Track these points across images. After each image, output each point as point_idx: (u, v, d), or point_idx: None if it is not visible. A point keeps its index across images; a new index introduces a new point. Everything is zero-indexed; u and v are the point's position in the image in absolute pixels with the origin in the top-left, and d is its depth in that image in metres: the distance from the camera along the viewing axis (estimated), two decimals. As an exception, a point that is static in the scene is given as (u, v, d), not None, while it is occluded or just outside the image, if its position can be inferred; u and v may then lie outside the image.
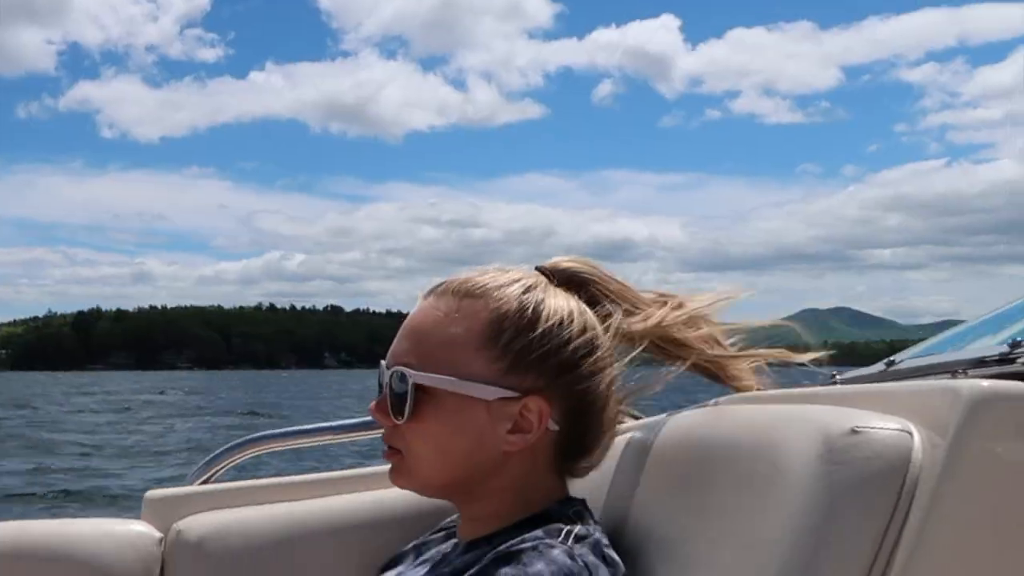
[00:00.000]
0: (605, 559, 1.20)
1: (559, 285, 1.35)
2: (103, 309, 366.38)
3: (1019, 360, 1.00)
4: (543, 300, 1.29)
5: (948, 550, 0.94)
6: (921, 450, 0.96)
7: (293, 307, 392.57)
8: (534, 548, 1.14)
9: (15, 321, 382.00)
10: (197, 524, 1.76)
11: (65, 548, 1.70)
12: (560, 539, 1.17)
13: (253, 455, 2.01)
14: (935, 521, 0.94)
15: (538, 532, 1.19)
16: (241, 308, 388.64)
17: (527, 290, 1.30)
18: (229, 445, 2.00)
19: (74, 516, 1.86)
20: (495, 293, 1.29)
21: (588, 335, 1.30)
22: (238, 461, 1.99)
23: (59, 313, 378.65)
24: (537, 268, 1.38)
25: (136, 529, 1.76)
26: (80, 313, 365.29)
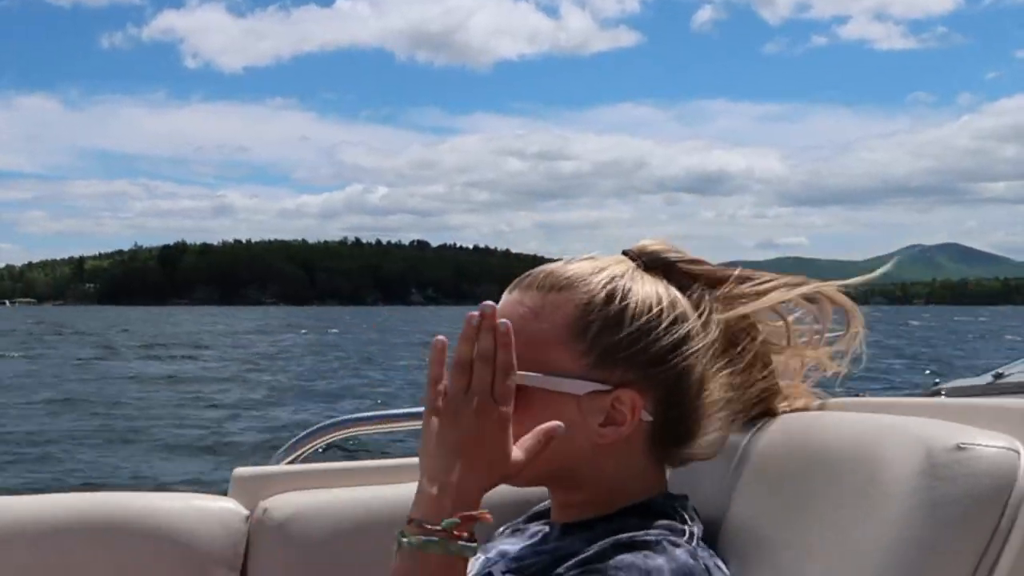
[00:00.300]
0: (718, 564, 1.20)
1: (647, 269, 1.31)
2: (188, 243, 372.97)
3: None
4: (631, 289, 1.26)
5: None
6: None
7: (379, 242, 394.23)
8: (658, 543, 1.14)
9: (100, 255, 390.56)
10: (283, 503, 1.79)
11: (155, 522, 1.74)
12: (685, 538, 1.17)
13: (341, 437, 2.05)
14: None
15: (661, 528, 1.18)
16: (325, 243, 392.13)
17: (613, 279, 1.26)
18: (316, 427, 2.05)
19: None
20: (580, 285, 1.25)
21: (679, 323, 1.26)
22: (326, 441, 2.03)
23: (145, 247, 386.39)
24: (624, 252, 1.34)
25: (224, 506, 1.81)
26: (166, 247, 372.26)
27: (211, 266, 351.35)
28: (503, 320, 1.17)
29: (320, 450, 2.05)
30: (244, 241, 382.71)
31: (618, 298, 1.24)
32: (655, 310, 1.25)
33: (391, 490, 1.80)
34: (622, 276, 1.27)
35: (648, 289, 1.27)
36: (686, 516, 1.24)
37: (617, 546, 1.13)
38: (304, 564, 1.76)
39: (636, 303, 1.25)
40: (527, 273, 1.31)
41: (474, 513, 1.13)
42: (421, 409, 1.85)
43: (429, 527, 1.11)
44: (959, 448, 0.97)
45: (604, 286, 1.25)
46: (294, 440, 2.03)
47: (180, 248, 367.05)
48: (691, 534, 1.19)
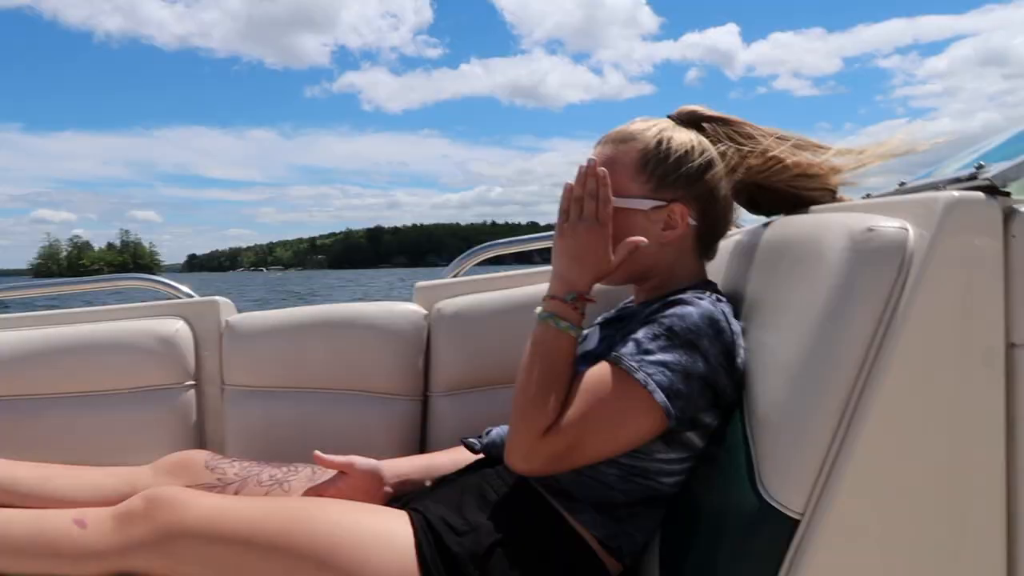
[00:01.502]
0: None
1: (683, 124, 1.64)
2: (384, 226, 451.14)
3: (980, 177, 1.20)
4: (672, 136, 1.59)
5: (932, 306, 1.17)
6: (913, 240, 1.19)
7: (507, 223, 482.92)
8: (688, 298, 1.46)
9: (323, 235, 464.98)
10: (450, 304, 2.28)
11: (365, 321, 2.25)
12: (708, 295, 1.49)
13: (487, 257, 2.55)
14: (923, 285, 1.17)
15: (690, 292, 1.49)
16: (472, 224, 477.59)
17: (661, 131, 1.60)
18: (471, 251, 2.54)
19: None
20: (640, 136, 1.59)
21: (707, 156, 1.59)
22: (480, 258, 2.54)
23: (355, 229, 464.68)
24: (668, 116, 1.67)
25: (411, 307, 2.28)
26: (370, 229, 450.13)
27: (401, 241, 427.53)
28: (602, 169, 1.53)
29: (477, 266, 2.47)
30: (420, 224, 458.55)
31: (665, 143, 1.57)
32: (689, 148, 1.58)
33: (526, 290, 2.26)
34: (666, 129, 1.60)
35: (684, 136, 1.59)
36: (713, 290, 1.54)
37: (664, 304, 1.45)
38: (467, 345, 2.22)
39: (676, 145, 1.57)
40: (606, 133, 1.65)
41: (586, 295, 1.50)
42: (543, 235, 2.41)
43: (558, 299, 1.49)
44: (870, 230, 1.21)
45: (655, 136, 1.58)
46: (455, 261, 2.52)
47: (379, 230, 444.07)
48: (711, 293, 1.50)
